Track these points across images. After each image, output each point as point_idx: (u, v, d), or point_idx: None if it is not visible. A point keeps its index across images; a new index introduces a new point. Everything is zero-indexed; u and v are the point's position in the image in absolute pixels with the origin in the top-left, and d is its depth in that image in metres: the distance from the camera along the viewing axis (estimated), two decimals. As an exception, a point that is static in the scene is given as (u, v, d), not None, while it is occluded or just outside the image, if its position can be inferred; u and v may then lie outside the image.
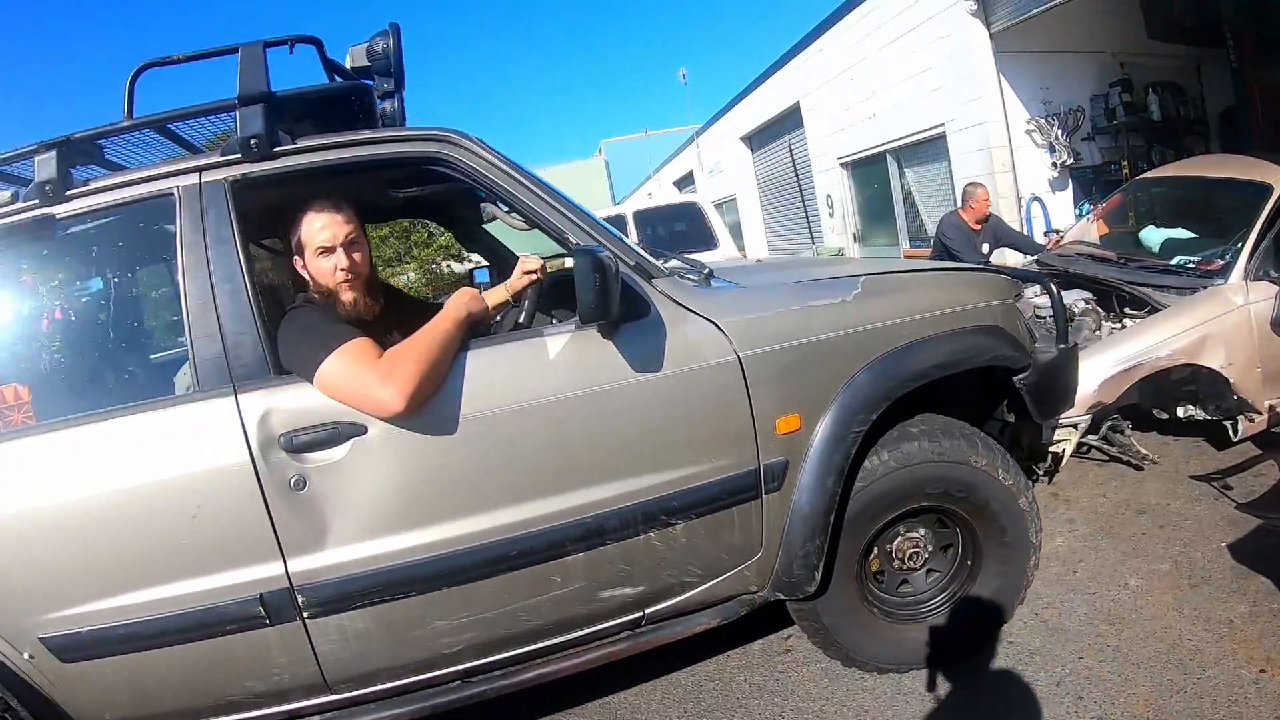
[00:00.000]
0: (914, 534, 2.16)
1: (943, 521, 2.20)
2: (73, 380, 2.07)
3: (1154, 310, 3.25)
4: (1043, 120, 7.19)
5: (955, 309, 2.07)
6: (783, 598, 2.01)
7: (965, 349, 2.04)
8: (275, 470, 1.69)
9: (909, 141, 8.81)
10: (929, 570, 2.24)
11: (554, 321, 2.05)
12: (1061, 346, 2.18)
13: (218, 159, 1.84)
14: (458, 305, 1.83)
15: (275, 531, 1.70)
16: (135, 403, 1.78)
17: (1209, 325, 3.03)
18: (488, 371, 1.77)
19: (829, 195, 11.42)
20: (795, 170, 12.88)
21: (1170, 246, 3.65)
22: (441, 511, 1.75)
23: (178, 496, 1.68)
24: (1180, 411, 3.26)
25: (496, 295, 2.10)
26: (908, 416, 2.11)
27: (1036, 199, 7.30)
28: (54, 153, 1.79)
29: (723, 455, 1.86)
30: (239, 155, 1.82)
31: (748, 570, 1.96)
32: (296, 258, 1.91)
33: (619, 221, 6.63)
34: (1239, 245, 3.23)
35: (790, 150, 12.89)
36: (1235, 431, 3.17)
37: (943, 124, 7.84)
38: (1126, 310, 3.49)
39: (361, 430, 1.70)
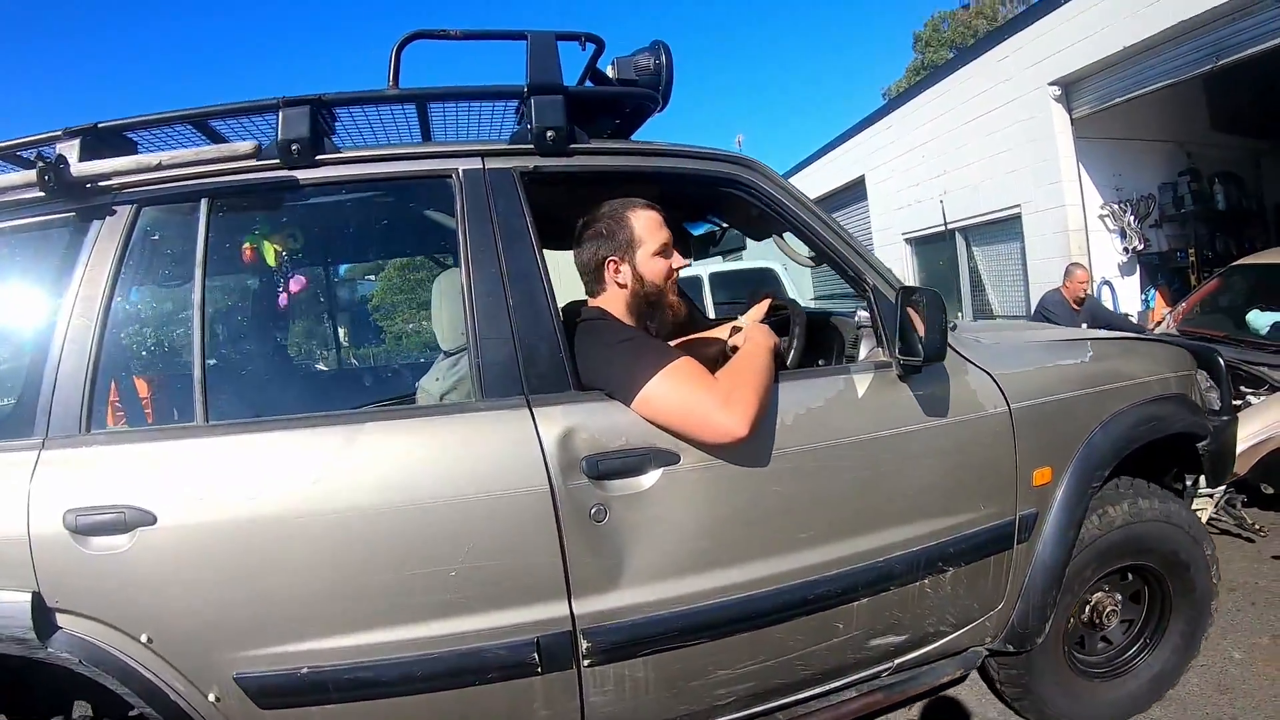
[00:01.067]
0: (1114, 592, 2.22)
1: (1127, 577, 2.26)
2: (310, 370, 1.75)
3: (1274, 388, 3.54)
4: (1116, 206, 7.39)
5: (1159, 376, 2.20)
6: (1012, 650, 2.01)
7: (1171, 414, 2.16)
8: (576, 497, 1.50)
9: (981, 221, 8.89)
10: (1126, 627, 2.30)
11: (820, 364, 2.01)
12: (1226, 417, 2.37)
13: (503, 146, 1.66)
14: (766, 335, 1.76)
15: (566, 567, 1.51)
16: (397, 405, 1.53)
17: None
18: (801, 406, 1.68)
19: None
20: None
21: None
22: (746, 551, 1.63)
23: (450, 520, 1.46)
24: (1262, 488, 3.55)
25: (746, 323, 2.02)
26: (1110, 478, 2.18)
27: (1107, 283, 7.48)
28: (306, 109, 1.55)
29: (992, 503, 1.86)
30: (530, 146, 1.65)
31: (988, 620, 1.95)
32: (612, 259, 1.75)
33: (694, 282, 6.55)
34: None
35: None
36: None
37: (1018, 205, 7.95)
38: (1242, 389, 3.72)
39: (674, 458, 1.55)
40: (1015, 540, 1.91)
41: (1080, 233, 7.27)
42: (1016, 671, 2.12)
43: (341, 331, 2.09)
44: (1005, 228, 8.48)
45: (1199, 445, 2.27)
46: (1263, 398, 3.56)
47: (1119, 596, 2.23)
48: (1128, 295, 7.57)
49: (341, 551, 1.42)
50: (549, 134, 1.64)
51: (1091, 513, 2.07)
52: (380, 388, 2.02)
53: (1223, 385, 2.45)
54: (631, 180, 1.81)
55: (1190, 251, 7.28)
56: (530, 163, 1.66)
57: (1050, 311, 5.43)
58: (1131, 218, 7.34)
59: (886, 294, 1.83)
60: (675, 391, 1.52)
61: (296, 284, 2.15)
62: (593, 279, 1.80)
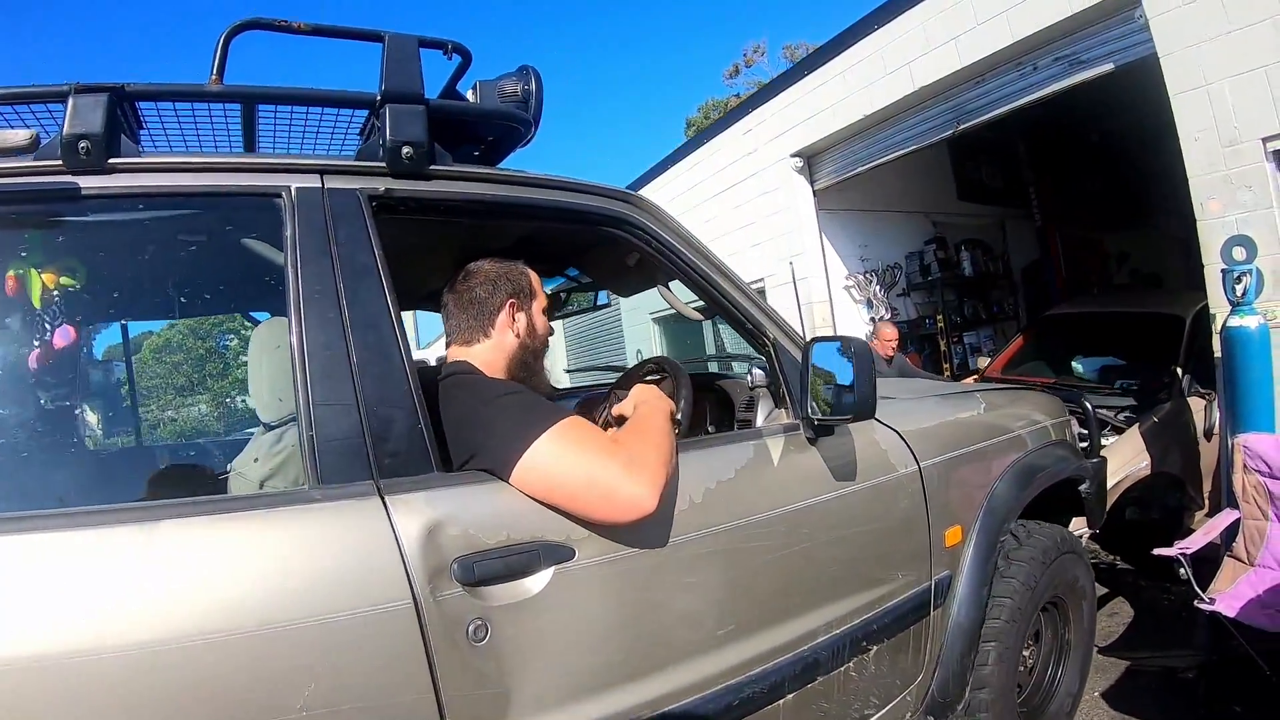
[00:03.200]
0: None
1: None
2: (76, 448, 1.26)
3: (1115, 428, 3.81)
4: (861, 276, 7.46)
5: (1042, 425, 2.19)
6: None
7: (1059, 461, 2.17)
8: (448, 613, 1.14)
9: None
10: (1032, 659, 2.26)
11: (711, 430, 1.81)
12: (1097, 459, 2.41)
13: (348, 162, 1.32)
14: (659, 396, 1.50)
15: (440, 706, 1.13)
16: (191, 499, 1.11)
17: (1170, 436, 3.74)
18: (711, 478, 1.44)
19: (639, 350, 11.01)
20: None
21: (1107, 373, 4.40)
22: (661, 657, 1.33)
23: (276, 656, 1.04)
24: (1128, 513, 3.81)
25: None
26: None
27: None
28: (103, 98, 1.14)
29: (910, 570, 1.72)
30: (382, 164, 1.32)
31: (909, 695, 1.79)
32: (513, 301, 1.48)
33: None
34: (1174, 369, 4.03)
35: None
36: (1175, 532, 3.73)
37: (763, 278, 7.77)
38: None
39: (568, 553, 1.23)
40: (932, 606, 1.77)
41: (824, 304, 7.29)
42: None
43: (121, 393, 1.59)
44: None
45: (1080, 489, 2.29)
46: (1112, 438, 3.84)
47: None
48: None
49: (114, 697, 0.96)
50: (405, 150, 1.31)
51: (1020, 559, 1.99)
52: (177, 473, 1.54)
53: (1092, 429, 2.52)
54: (501, 214, 1.50)
55: (939, 318, 7.57)
56: (381, 184, 1.32)
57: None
58: (877, 287, 7.50)
59: (790, 349, 1.67)
60: (570, 457, 1.22)
61: (62, 338, 1.63)
62: (477, 325, 1.49)
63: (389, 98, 1.31)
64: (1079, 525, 2.71)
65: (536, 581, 1.21)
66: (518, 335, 1.50)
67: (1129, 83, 4.27)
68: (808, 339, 1.63)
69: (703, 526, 1.38)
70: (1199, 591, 2.46)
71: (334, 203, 1.27)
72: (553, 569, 1.22)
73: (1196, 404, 3.98)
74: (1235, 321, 3.37)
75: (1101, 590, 3.59)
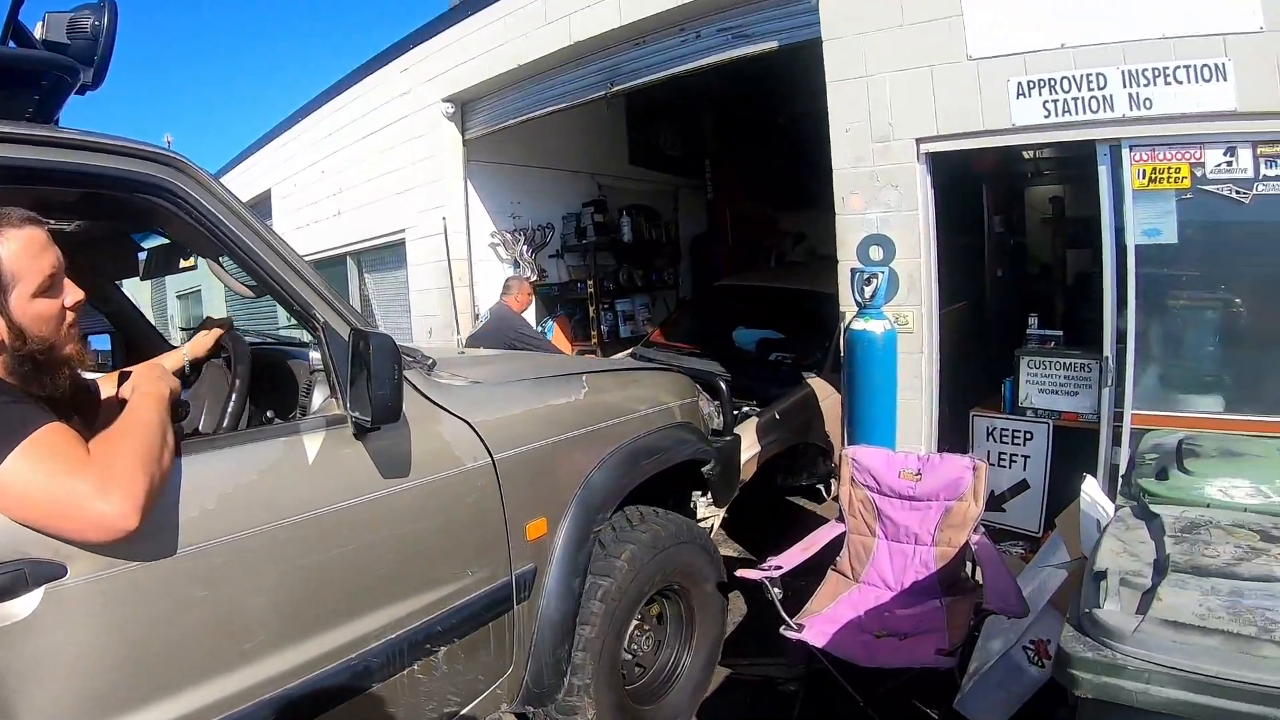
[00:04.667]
0: (643, 619, 2.57)
1: (652, 599, 2.65)
2: None
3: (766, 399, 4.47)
4: (509, 235, 7.91)
5: (662, 406, 2.64)
6: (531, 710, 2.21)
7: (675, 444, 2.62)
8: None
9: (370, 245, 9.18)
10: (656, 646, 2.69)
11: (270, 417, 1.89)
12: (729, 438, 2.94)
13: None
14: (158, 381, 1.60)
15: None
16: None
17: (815, 409, 4.44)
18: (230, 481, 1.60)
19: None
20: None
21: (765, 345, 5.14)
22: (172, 679, 1.49)
23: None
24: (778, 480, 4.55)
25: (174, 362, 1.91)
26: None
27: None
28: None
29: (482, 567, 2.03)
30: None
31: (500, 688, 2.12)
32: None
33: None
34: (827, 345, 4.83)
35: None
36: (828, 492, 4.49)
37: (404, 230, 8.25)
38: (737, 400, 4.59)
39: (58, 570, 1.35)
40: (515, 600, 2.11)
41: (463, 262, 7.65)
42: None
43: None
44: (393, 254, 8.84)
45: (704, 470, 2.80)
46: (756, 408, 4.58)
47: (652, 621, 2.63)
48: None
49: None
50: None
51: (622, 548, 2.40)
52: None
53: (726, 407, 3.06)
54: (10, 178, 1.49)
55: (590, 282, 8.23)
56: None
57: (523, 332, 5.93)
58: (524, 247, 7.98)
59: (340, 333, 1.78)
60: (34, 474, 1.29)
61: None
62: None
63: None
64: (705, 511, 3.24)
65: (26, 603, 1.31)
66: (19, 332, 1.42)
67: (812, 64, 4.68)
68: (358, 327, 1.75)
69: (219, 534, 1.54)
70: (785, 618, 2.68)
71: None
72: (43, 588, 1.32)
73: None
74: (860, 325, 3.83)
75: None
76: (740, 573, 2.79)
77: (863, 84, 4.42)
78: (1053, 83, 3.94)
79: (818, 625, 2.78)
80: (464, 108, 7.49)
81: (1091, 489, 2.76)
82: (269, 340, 2.68)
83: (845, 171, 4.52)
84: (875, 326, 3.81)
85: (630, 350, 6.14)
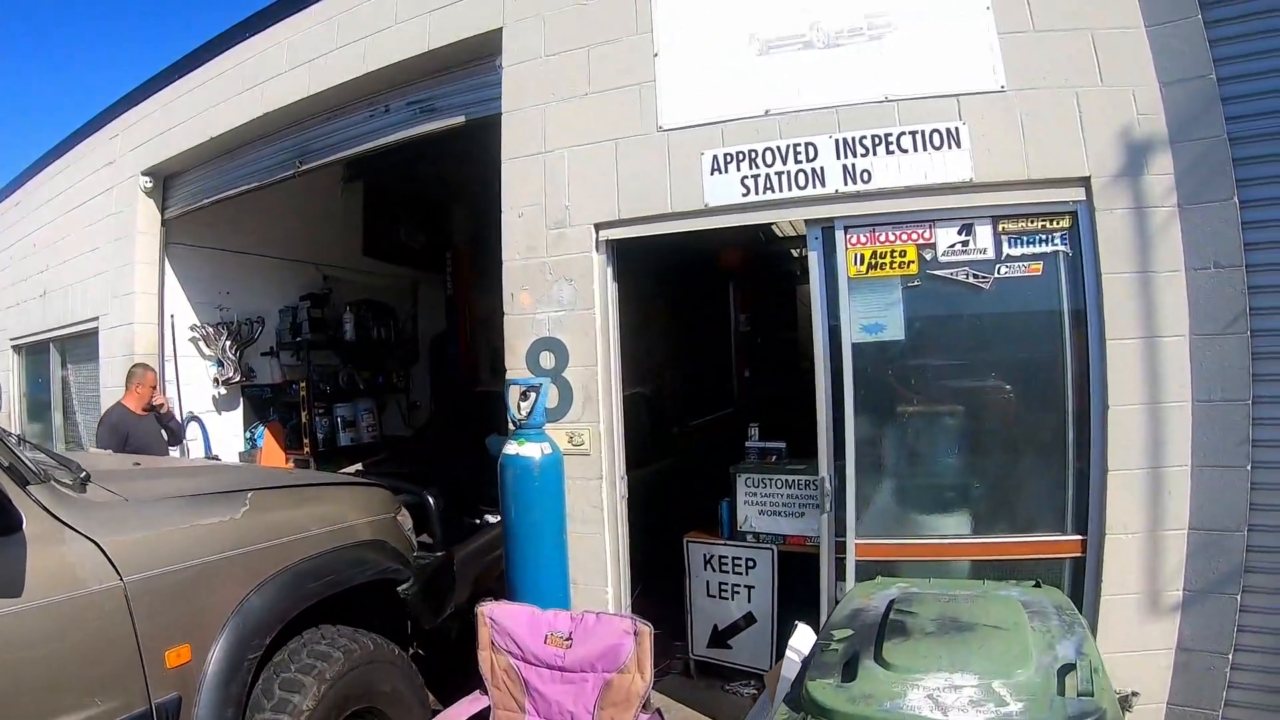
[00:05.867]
0: None
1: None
2: None
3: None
4: (211, 328, 7.74)
5: (342, 525, 2.79)
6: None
7: (352, 565, 2.76)
8: None
9: (69, 332, 8.81)
10: None
11: None
12: (440, 554, 3.08)
13: None
14: None
15: None
16: None
17: None
18: None
19: (-1, 386, 10.32)
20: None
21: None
22: None
23: None
24: None
25: None
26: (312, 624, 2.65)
27: (196, 419, 7.71)
28: None
29: (111, 696, 2.09)
30: None
31: None
32: None
33: None
34: None
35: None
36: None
37: (97, 317, 7.94)
38: (481, 507, 4.65)
39: None
40: None
41: (155, 358, 7.41)
42: None
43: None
44: (90, 342, 8.46)
45: (400, 589, 2.95)
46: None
47: None
48: (229, 432, 8.11)
49: None
50: None
51: (308, 672, 2.52)
52: None
53: (433, 523, 3.22)
54: None
55: (302, 385, 8.18)
56: None
57: (129, 430, 5.83)
58: (227, 343, 7.83)
59: None
60: None
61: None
62: None
63: None
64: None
65: None
66: None
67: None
68: None
69: None
70: None
71: None
72: None
73: None
74: (513, 449, 3.55)
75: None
76: None
77: (539, 161, 4.29)
78: (753, 155, 3.83)
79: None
80: (166, 182, 7.31)
81: (802, 642, 2.81)
82: None
83: (515, 264, 4.35)
84: (531, 450, 3.56)
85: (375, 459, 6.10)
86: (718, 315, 9.66)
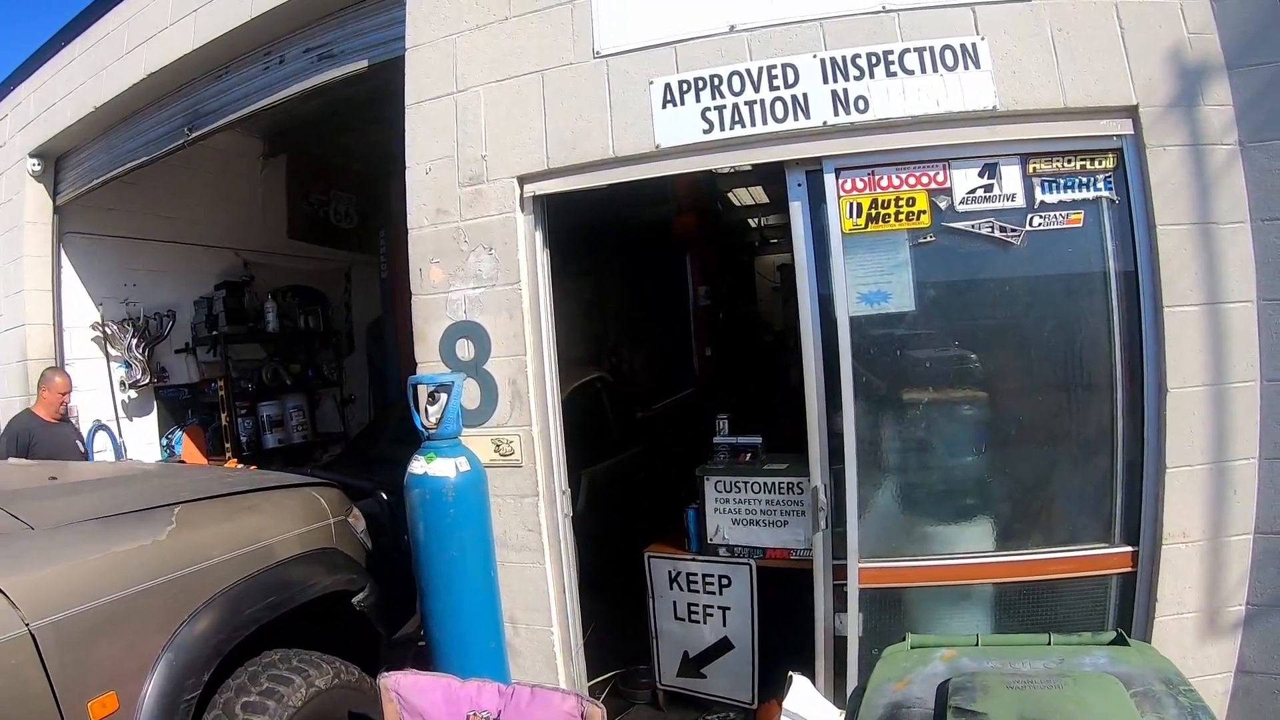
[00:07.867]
0: None
1: None
2: None
3: None
4: (115, 326, 7.96)
5: (283, 536, 2.81)
6: None
7: (297, 582, 2.78)
8: None
9: None
10: None
11: None
12: (396, 558, 3.15)
13: None
14: None
15: None
16: None
17: None
18: None
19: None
20: None
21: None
22: None
23: None
24: None
25: None
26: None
27: (103, 427, 7.87)
28: None
29: None
30: None
31: None
32: None
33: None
34: None
35: None
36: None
37: None
38: None
39: None
40: None
41: (50, 362, 7.61)
42: None
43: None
44: None
45: (354, 601, 3.00)
46: None
47: None
48: (143, 440, 8.47)
49: None
50: None
51: (269, 698, 2.60)
52: None
53: (390, 524, 3.31)
54: None
55: (222, 383, 8.53)
56: None
57: (33, 439, 6.12)
58: (134, 341, 8.14)
59: None
60: None
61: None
62: None
63: None
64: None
65: None
66: None
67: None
68: None
69: None
70: None
71: None
72: None
73: None
74: (419, 467, 3.38)
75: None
76: None
77: (450, 103, 4.18)
78: (716, 82, 3.69)
79: None
80: (57, 164, 7.40)
81: (799, 703, 2.80)
82: None
83: (423, 231, 4.25)
84: (443, 468, 3.42)
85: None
86: (675, 288, 9.86)
